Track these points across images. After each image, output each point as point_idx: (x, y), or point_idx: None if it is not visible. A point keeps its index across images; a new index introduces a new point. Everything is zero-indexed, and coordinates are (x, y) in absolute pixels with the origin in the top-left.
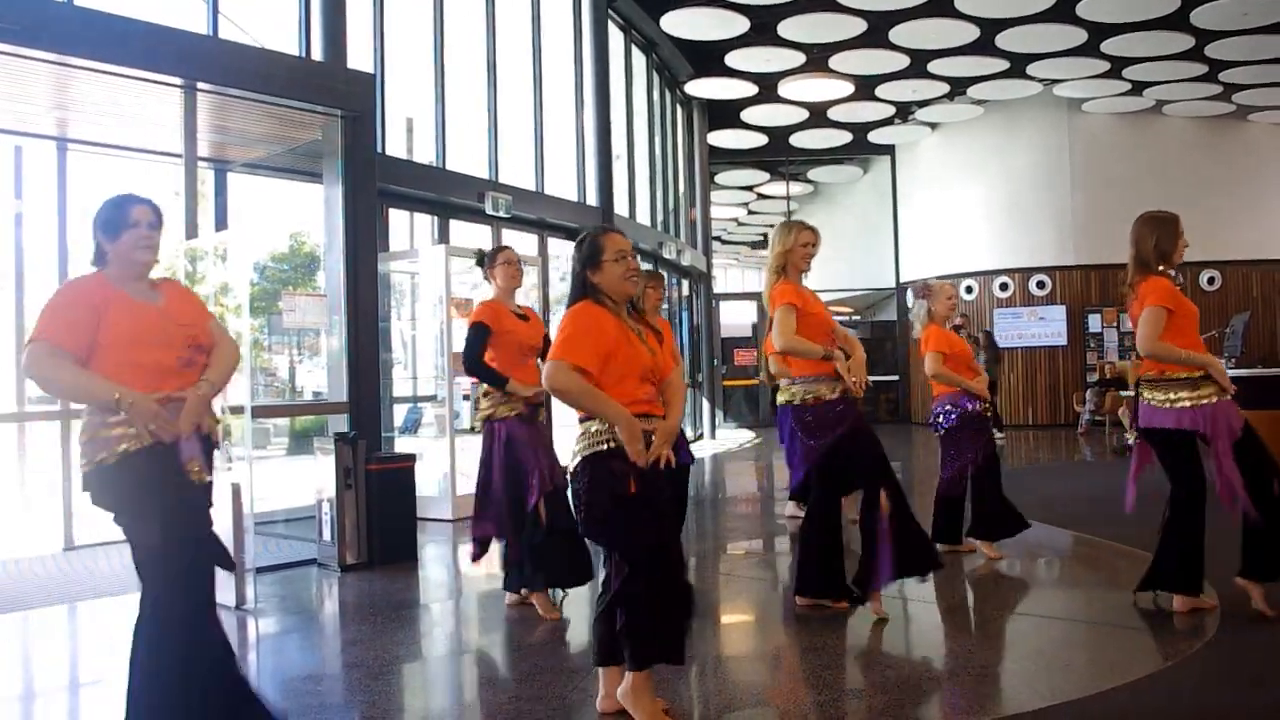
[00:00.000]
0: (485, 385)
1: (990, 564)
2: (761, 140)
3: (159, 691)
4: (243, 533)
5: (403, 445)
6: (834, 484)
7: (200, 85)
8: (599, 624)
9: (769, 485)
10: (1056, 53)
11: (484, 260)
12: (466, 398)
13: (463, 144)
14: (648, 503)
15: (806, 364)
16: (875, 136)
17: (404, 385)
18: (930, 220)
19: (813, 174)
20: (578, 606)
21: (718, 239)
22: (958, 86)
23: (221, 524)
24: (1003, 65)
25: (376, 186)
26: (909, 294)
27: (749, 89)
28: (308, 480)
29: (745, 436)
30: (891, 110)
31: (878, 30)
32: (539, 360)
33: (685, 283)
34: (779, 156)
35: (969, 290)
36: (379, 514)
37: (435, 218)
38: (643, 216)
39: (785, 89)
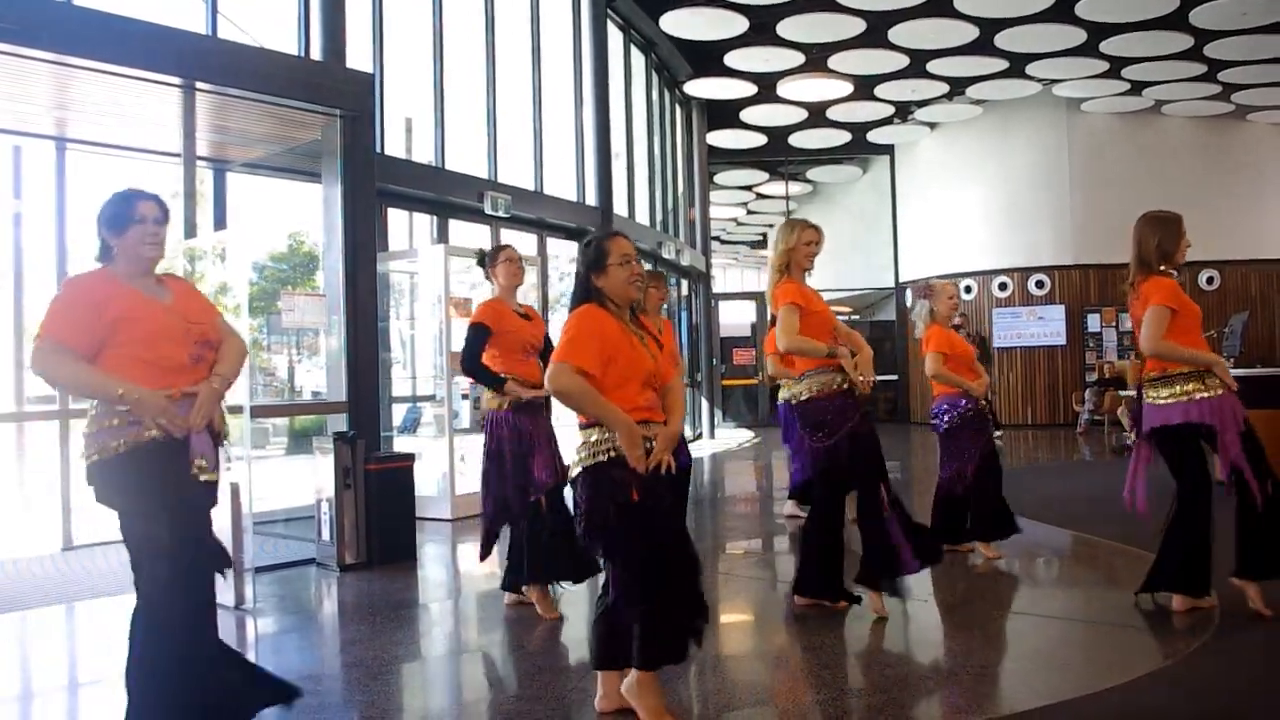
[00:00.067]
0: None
1: (989, 564)
2: (761, 140)
3: (158, 692)
4: (242, 532)
5: (402, 445)
6: (838, 484)
7: (199, 85)
8: (598, 626)
9: (768, 485)
10: (1055, 52)
11: (485, 260)
12: (465, 397)
13: (462, 144)
14: (650, 510)
15: (810, 360)
16: (874, 136)
17: (403, 385)
18: (929, 220)
19: (812, 174)
20: (577, 606)
21: (717, 239)
22: (957, 86)
23: (221, 523)
24: (1002, 65)
25: (375, 186)
26: (908, 294)
27: (748, 89)
28: (307, 480)
29: (744, 436)
30: (890, 110)
31: (877, 30)
32: (540, 360)
33: (684, 282)
34: (778, 156)
35: (968, 290)
36: (378, 514)
37: (434, 217)
38: (642, 216)
39: (784, 89)
